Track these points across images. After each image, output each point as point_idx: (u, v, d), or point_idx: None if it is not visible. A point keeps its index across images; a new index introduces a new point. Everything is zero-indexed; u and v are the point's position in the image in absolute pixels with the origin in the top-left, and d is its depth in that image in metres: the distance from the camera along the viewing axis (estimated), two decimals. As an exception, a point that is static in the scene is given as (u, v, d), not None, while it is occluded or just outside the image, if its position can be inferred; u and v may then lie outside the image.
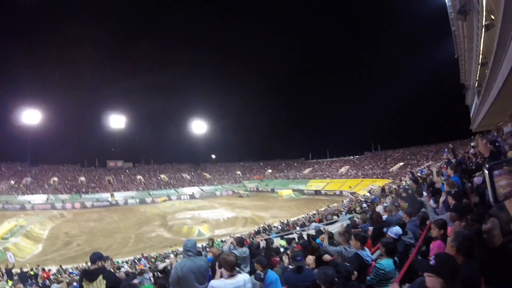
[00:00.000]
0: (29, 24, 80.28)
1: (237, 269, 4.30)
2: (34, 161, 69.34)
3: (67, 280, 14.63)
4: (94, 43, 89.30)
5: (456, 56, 22.61)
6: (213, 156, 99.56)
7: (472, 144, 25.54)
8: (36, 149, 70.63)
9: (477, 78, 18.88)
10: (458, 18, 15.60)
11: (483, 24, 11.91)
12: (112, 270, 7.63)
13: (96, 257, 4.55)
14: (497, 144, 11.41)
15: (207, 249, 16.47)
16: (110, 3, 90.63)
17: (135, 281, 8.28)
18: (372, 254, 4.88)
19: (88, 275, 4.37)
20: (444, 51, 35.40)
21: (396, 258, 4.32)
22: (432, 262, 2.21)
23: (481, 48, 14.22)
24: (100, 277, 4.27)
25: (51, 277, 18.42)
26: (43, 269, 20.67)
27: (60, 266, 22.72)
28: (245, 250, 6.32)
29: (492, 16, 11.06)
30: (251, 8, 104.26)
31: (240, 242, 6.77)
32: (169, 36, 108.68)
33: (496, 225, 2.88)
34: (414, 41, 75.93)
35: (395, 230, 5.10)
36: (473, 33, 14.81)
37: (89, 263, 4.67)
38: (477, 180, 6.76)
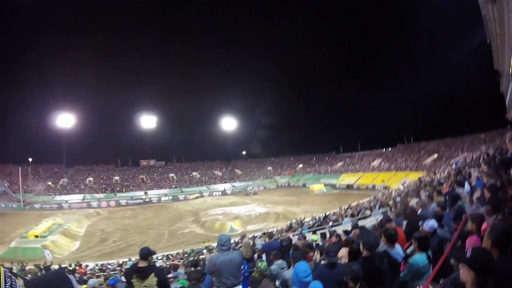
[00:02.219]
0: (61, 27, 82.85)
1: None
2: (70, 162, 71.80)
3: (104, 274, 15.03)
4: (125, 45, 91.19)
5: (488, 41, 21.79)
6: (244, 153, 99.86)
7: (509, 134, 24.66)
8: (71, 151, 72.87)
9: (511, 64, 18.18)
10: (487, 2, 15.06)
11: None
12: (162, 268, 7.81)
13: (147, 252, 4.56)
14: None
15: (240, 244, 16.63)
16: (142, 3, 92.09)
17: (170, 275, 8.43)
18: (405, 249, 4.82)
19: (139, 272, 4.43)
20: (476, 37, 34.31)
21: (429, 253, 4.27)
22: (468, 254, 2.18)
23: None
24: (152, 274, 4.36)
25: (88, 272, 18.97)
26: (80, 265, 21.28)
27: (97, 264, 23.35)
28: (281, 262, 6.34)
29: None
30: (281, 4, 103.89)
31: (277, 255, 6.77)
32: (199, 36, 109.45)
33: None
34: (444, 29, 73.52)
35: (431, 223, 5.01)
36: (504, 16, 14.23)
37: (136, 258, 4.73)
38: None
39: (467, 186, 8.48)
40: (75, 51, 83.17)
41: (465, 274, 2.17)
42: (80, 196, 59.01)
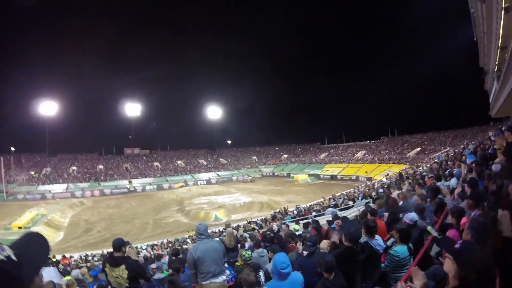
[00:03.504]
0: (43, 16, 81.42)
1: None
2: (53, 151, 70.93)
3: (88, 265, 14.94)
4: (108, 32, 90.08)
5: (475, 39, 22.05)
6: (229, 142, 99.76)
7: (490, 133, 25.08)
8: (54, 139, 72.38)
9: (497, 62, 18.45)
10: (477, 0, 15.22)
11: (503, 6, 11.60)
12: (136, 259, 7.77)
13: (120, 243, 4.59)
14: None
15: (224, 234, 16.66)
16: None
17: (153, 265, 8.40)
18: (386, 240, 4.87)
19: (112, 260, 4.50)
20: (463, 34, 34.71)
21: (410, 245, 4.32)
22: (457, 245, 2.18)
23: (501, 31, 13.87)
24: (123, 266, 4.36)
25: (73, 263, 18.86)
26: (64, 256, 21.14)
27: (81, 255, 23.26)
28: (261, 250, 6.37)
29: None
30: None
31: (257, 244, 6.81)
32: (182, 23, 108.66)
33: (506, 217, 2.84)
34: (432, 24, 74.37)
35: (411, 216, 5.07)
36: (493, 15, 14.41)
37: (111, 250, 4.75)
38: (495, 167, 6.65)
39: (453, 181, 8.59)
40: (57, 38, 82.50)
41: (449, 265, 2.17)
42: (64, 186, 58.26)
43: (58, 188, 57.05)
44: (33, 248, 1.07)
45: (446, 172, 11.37)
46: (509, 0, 11.04)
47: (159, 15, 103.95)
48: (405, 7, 75.18)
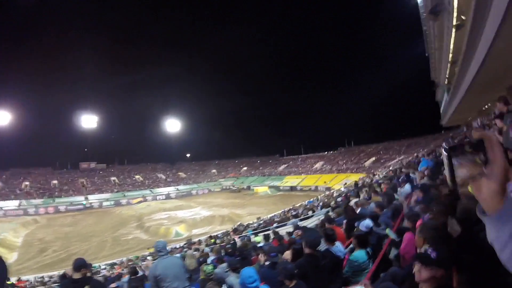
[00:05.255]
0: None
1: None
2: (4, 165, 66.82)
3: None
4: (64, 40, 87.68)
5: (427, 54, 23.19)
6: (188, 155, 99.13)
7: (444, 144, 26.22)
8: (5, 152, 68.62)
9: (447, 76, 19.45)
10: (429, 18, 15.99)
11: (454, 24, 12.25)
12: (99, 280, 7.52)
13: (80, 264, 4.29)
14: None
15: (185, 249, 16.45)
16: (81, 5, 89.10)
17: (113, 285, 8.21)
18: (346, 247, 5.00)
19: (75, 283, 4.17)
20: (416, 50, 36.28)
21: (368, 250, 4.45)
22: (433, 255, 2.27)
23: (451, 47, 14.64)
24: (87, 287, 4.17)
25: (28, 286, 18.10)
26: (19, 279, 20.23)
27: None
28: (225, 266, 6.39)
29: (463, 17, 11.41)
30: (221, 8, 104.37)
31: (219, 259, 6.83)
32: (141, 36, 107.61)
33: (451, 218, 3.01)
34: (386, 40, 77.47)
35: (366, 223, 5.25)
36: (444, 32, 15.21)
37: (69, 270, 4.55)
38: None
39: (407, 187, 8.91)
40: (9, 47, 79.44)
41: (430, 273, 2.26)
42: (16, 202, 55.26)
43: (10, 204, 54.00)
44: None
45: (399, 180, 11.77)
46: (460, 18, 11.69)
47: (117, 28, 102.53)
48: (360, 26, 78.17)
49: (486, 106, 18.88)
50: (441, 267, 2.21)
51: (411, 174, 11.13)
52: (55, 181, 66.98)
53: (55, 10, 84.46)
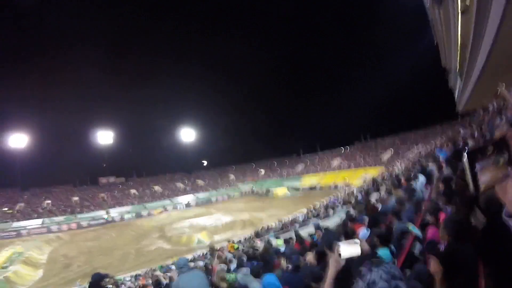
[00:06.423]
0: (9, 46, 79.64)
1: None
2: (25, 185, 68.26)
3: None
4: (76, 60, 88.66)
5: (435, 42, 22.95)
6: (205, 163, 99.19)
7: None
8: (26, 173, 69.82)
9: (458, 61, 19.16)
10: (433, 7, 15.83)
11: (459, 10, 12.07)
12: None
13: (97, 278, 4.38)
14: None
15: (208, 257, 16.42)
16: (91, 17, 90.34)
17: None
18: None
19: None
20: (425, 38, 35.94)
21: (392, 247, 4.34)
22: (440, 247, 2.20)
23: (459, 32, 14.42)
24: None
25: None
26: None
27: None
28: (246, 270, 6.30)
29: (467, 2, 11.22)
30: (230, 17, 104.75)
31: (240, 264, 6.76)
32: (152, 49, 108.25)
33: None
34: (395, 31, 76.59)
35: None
36: (450, 19, 15.01)
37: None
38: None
39: (422, 178, 8.73)
40: (25, 70, 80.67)
41: (435, 266, 2.19)
42: (39, 221, 56.03)
43: (33, 223, 54.78)
44: None
45: (412, 175, 11.49)
46: (464, 4, 11.49)
47: (129, 40, 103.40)
48: (369, 18, 77.82)
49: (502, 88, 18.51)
50: (444, 265, 2.12)
51: (430, 165, 10.93)
52: (76, 198, 67.56)
53: (62, 27, 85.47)
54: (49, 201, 63.93)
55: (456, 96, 27.24)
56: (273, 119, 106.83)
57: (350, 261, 2.26)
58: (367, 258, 2.61)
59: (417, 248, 4.48)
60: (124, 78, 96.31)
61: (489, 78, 14.18)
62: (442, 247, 2.23)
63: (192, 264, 9.62)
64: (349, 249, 2.10)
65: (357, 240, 2.22)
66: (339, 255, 2.08)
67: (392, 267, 1.81)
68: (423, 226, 4.67)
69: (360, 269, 1.86)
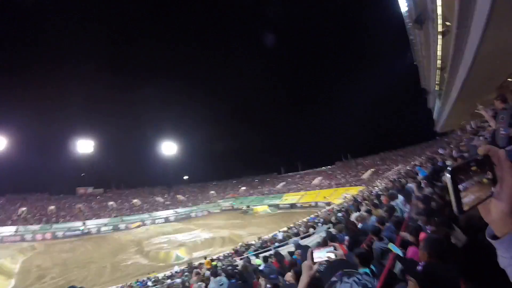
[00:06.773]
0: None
1: None
2: (0, 191, 65.88)
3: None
4: (57, 68, 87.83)
5: (415, 63, 23.45)
6: (186, 177, 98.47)
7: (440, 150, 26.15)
8: (1, 178, 67.77)
9: (437, 82, 19.61)
10: (415, 27, 16.19)
11: (439, 31, 12.37)
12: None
13: None
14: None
15: (186, 274, 16.17)
16: (74, 28, 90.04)
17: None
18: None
19: None
20: (404, 59, 36.70)
21: (372, 267, 4.33)
22: (419, 268, 2.19)
23: (439, 54, 14.77)
24: None
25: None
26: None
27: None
28: (219, 279, 6.21)
29: (448, 23, 11.51)
30: (213, 34, 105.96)
31: (213, 272, 6.67)
32: (134, 61, 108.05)
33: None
34: (375, 51, 78.29)
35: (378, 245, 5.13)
36: (430, 40, 15.39)
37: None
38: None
39: (401, 197, 8.81)
40: (4, 74, 79.60)
41: (412, 286, 2.18)
42: (13, 228, 54.38)
43: (7, 231, 53.09)
44: None
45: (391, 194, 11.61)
46: (445, 25, 11.79)
47: (110, 53, 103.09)
48: (349, 39, 79.15)
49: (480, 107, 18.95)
50: (420, 285, 2.11)
51: (409, 184, 11.05)
52: (52, 207, 66.04)
53: (43, 36, 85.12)
54: (24, 208, 62.30)
55: (434, 116, 27.80)
56: (255, 136, 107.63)
57: (322, 271, 2.24)
58: (341, 267, 2.57)
59: (398, 267, 4.48)
60: (108, 89, 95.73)
61: (467, 100, 14.55)
62: (420, 268, 2.22)
63: (169, 281, 9.45)
64: (322, 254, 2.08)
65: (331, 247, 2.21)
66: (312, 260, 2.05)
67: (365, 277, 1.79)
68: (403, 245, 4.69)
69: (332, 280, 1.84)
